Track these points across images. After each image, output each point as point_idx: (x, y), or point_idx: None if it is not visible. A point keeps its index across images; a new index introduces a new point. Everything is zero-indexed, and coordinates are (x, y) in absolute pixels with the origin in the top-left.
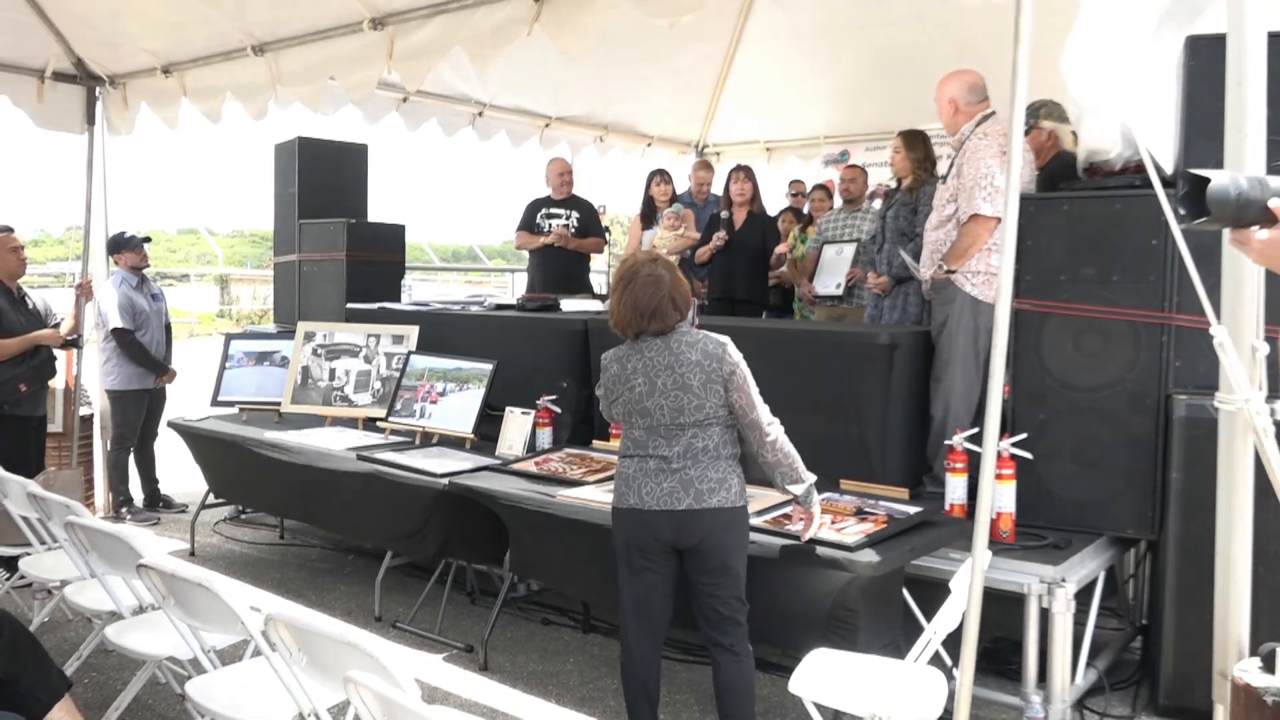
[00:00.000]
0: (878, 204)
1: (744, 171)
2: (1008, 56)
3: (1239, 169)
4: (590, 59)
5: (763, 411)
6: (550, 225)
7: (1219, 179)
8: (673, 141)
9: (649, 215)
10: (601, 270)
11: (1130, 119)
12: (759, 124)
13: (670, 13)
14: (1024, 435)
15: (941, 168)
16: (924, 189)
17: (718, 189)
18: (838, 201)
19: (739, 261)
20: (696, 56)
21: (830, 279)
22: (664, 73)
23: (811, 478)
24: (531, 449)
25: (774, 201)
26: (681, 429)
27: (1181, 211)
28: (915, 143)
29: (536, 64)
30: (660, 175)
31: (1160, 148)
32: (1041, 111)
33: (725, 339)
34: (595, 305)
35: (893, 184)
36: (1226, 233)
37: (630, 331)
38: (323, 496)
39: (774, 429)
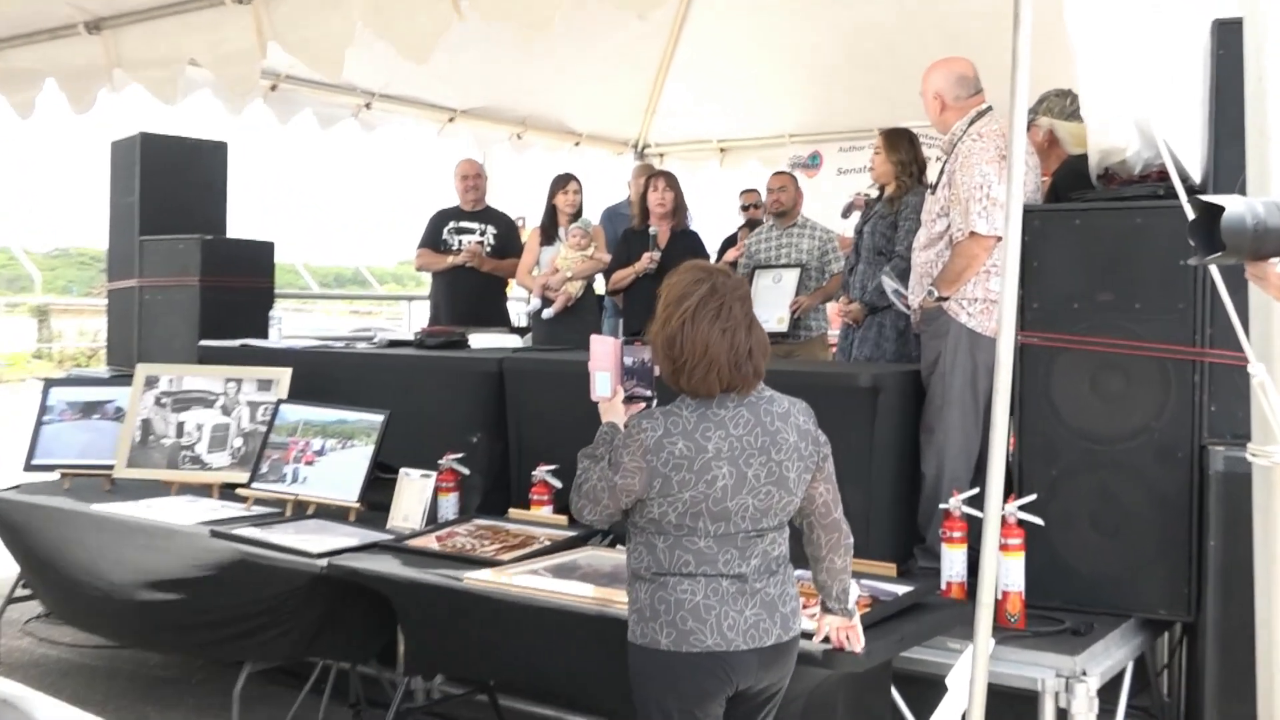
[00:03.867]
0: (856, 216)
1: (664, 178)
2: (1005, 42)
3: (1262, 177)
4: (505, 39)
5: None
6: (460, 242)
7: (1234, 207)
8: (606, 140)
9: (550, 230)
10: (520, 298)
11: (1148, 113)
12: (711, 119)
13: (638, 5)
14: (1033, 497)
15: (931, 173)
16: (906, 199)
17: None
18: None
19: None
20: (634, 36)
21: (769, 312)
22: (595, 56)
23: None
24: (432, 520)
25: (730, 213)
26: (761, 535)
27: (1193, 244)
28: (897, 144)
29: (438, 45)
30: (566, 181)
31: (1186, 149)
32: (1041, 107)
33: (808, 407)
34: (512, 341)
35: (873, 192)
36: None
37: (715, 386)
38: (161, 594)
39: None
